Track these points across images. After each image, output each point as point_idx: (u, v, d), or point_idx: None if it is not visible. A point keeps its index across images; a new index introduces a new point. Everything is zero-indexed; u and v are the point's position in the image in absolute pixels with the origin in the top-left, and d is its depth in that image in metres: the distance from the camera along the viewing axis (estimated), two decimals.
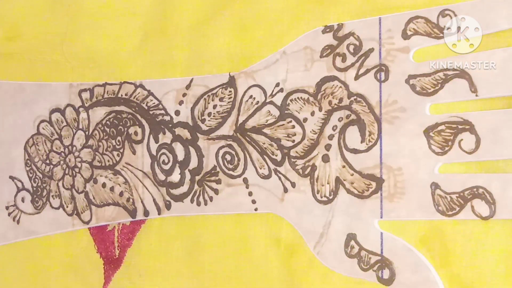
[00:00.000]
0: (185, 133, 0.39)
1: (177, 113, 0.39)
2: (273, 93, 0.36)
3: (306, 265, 0.35)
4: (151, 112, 0.40)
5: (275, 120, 0.35)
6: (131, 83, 0.41)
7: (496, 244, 0.30)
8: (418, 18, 0.31)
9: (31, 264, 0.45)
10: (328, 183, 0.34)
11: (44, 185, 0.44)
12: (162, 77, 0.40)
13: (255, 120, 0.36)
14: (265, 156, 0.36)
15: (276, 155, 0.35)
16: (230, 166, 0.37)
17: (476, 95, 0.30)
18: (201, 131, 0.38)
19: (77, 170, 0.43)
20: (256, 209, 0.36)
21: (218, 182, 0.37)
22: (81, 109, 0.43)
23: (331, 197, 0.34)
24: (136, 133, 0.40)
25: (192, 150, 0.38)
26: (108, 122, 0.41)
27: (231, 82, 0.37)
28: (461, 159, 0.30)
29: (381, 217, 0.32)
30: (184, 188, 0.38)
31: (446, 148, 0.30)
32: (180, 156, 0.39)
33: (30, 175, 0.45)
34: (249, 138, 0.36)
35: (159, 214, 0.39)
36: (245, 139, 0.36)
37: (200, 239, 0.38)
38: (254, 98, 0.36)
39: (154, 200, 0.40)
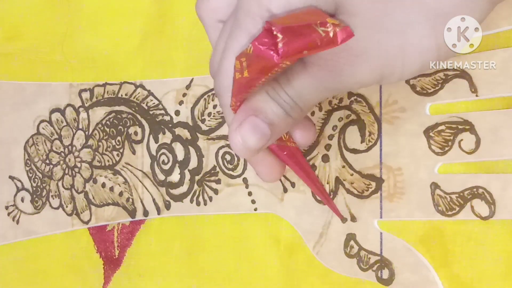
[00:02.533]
0: (185, 133, 0.39)
1: (177, 113, 0.39)
2: None
3: (305, 265, 0.35)
4: (151, 112, 0.40)
5: None
6: (131, 83, 0.41)
7: (496, 244, 0.30)
8: None
9: (30, 264, 0.45)
10: (327, 183, 0.34)
11: (43, 185, 0.44)
12: (162, 77, 0.40)
13: None
14: None
15: None
16: (230, 166, 0.37)
17: (476, 95, 0.30)
18: (201, 131, 0.38)
19: (76, 170, 0.43)
20: (255, 209, 0.36)
21: (218, 182, 0.37)
22: (81, 109, 0.43)
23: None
24: (136, 133, 0.40)
25: (192, 150, 0.38)
26: (108, 122, 0.41)
27: None
28: (461, 159, 0.30)
29: (381, 217, 0.32)
30: (183, 188, 0.38)
31: (446, 148, 0.30)
32: (180, 156, 0.39)
33: (30, 175, 0.45)
34: None
35: (158, 214, 0.39)
36: None
37: (199, 239, 0.38)
38: None
39: (153, 200, 0.40)
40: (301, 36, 0.20)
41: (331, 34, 0.20)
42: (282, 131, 0.26)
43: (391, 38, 0.23)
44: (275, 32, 0.20)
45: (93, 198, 0.42)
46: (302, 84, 0.24)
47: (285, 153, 0.28)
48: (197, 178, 0.38)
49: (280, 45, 0.20)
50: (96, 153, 0.42)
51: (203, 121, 0.38)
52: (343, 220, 0.32)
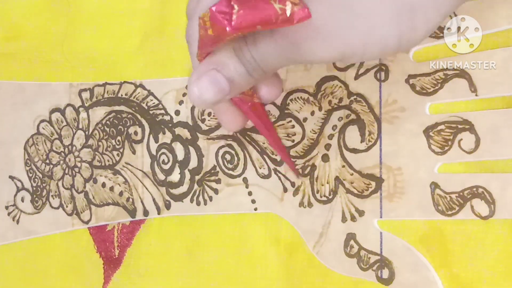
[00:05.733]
0: (185, 133, 0.39)
1: (177, 113, 0.39)
2: None
3: (305, 264, 0.35)
4: (151, 112, 0.40)
5: (275, 120, 0.35)
6: (131, 83, 0.41)
7: (496, 244, 0.30)
8: None
9: (30, 264, 0.45)
10: (327, 183, 0.34)
11: (43, 185, 0.44)
12: (162, 77, 0.40)
13: None
14: (264, 156, 0.36)
15: (276, 155, 0.35)
16: (230, 166, 0.37)
17: (476, 95, 0.30)
18: (201, 130, 0.38)
19: (76, 170, 0.43)
20: (255, 209, 0.36)
21: (218, 181, 0.37)
22: (81, 109, 0.43)
23: (330, 197, 0.34)
24: (136, 133, 0.40)
25: (192, 149, 0.38)
26: (108, 122, 0.41)
27: None
28: (461, 158, 0.30)
29: (381, 217, 0.32)
30: (183, 188, 0.38)
31: (446, 148, 0.30)
32: (180, 156, 0.39)
33: (30, 175, 0.45)
34: (249, 138, 0.36)
35: (158, 214, 0.39)
36: (245, 138, 0.36)
37: (199, 239, 0.38)
38: None
39: (153, 199, 0.40)
40: (257, 11, 0.20)
41: (288, 13, 0.20)
42: (242, 89, 0.26)
43: (355, 21, 0.23)
44: (232, 2, 0.20)
45: (93, 198, 0.42)
46: (267, 48, 0.24)
47: (247, 106, 0.29)
48: (197, 177, 0.38)
49: (234, 16, 0.20)
50: (96, 153, 0.42)
51: (203, 120, 0.38)
52: (299, 176, 0.33)
